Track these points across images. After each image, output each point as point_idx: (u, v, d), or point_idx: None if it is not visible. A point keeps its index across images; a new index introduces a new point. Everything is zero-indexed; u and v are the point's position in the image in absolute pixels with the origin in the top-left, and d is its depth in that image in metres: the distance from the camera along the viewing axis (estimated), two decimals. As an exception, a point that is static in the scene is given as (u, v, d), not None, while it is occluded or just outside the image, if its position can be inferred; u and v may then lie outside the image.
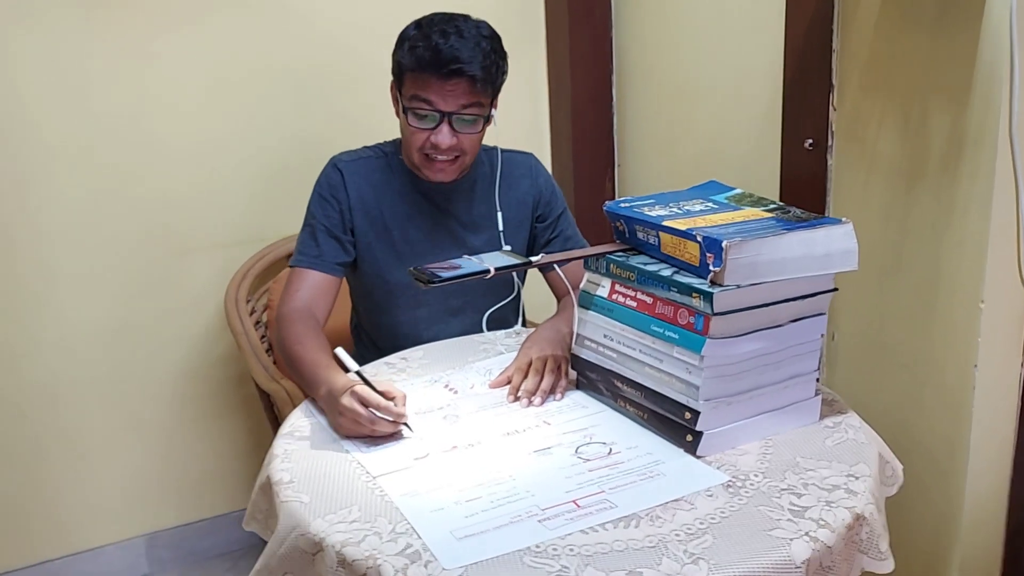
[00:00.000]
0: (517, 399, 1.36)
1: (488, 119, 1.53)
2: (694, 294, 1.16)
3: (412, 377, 1.48)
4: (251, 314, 2.03)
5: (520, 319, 1.75)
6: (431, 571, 0.95)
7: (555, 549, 0.99)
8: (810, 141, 1.62)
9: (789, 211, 1.28)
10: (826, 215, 1.63)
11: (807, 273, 1.20)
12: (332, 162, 1.63)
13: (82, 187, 2.00)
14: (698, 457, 1.18)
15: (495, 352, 1.56)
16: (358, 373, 1.28)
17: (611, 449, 1.21)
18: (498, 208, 1.64)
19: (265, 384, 1.74)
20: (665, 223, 1.23)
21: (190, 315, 2.17)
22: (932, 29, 1.39)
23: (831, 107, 1.57)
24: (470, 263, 1.24)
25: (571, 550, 0.98)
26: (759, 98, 1.81)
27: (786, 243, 1.17)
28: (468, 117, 1.50)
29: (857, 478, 1.11)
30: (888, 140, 1.50)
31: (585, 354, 1.36)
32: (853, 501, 1.06)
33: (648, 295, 1.24)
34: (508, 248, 1.64)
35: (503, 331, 1.65)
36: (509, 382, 1.39)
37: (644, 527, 1.02)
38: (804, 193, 1.66)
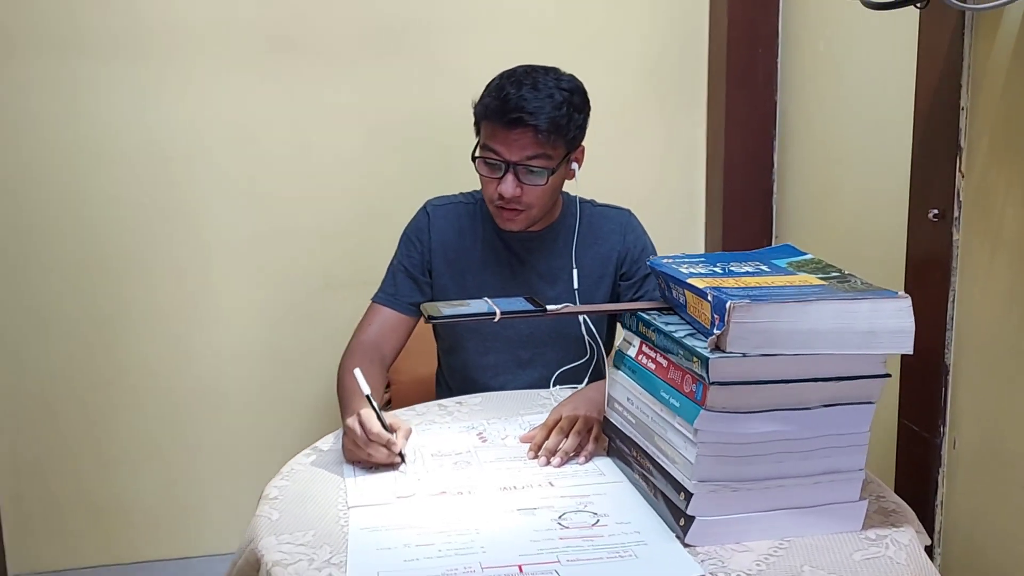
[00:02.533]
0: (537, 456, 1.28)
1: (554, 172, 1.49)
2: (695, 358, 1.04)
3: (454, 421, 1.45)
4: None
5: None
6: (332, 606, 0.91)
7: (466, 610, 0.91)
8: (935, 211, 1.41)
9: (848, 280, 1.12)
10: (950, 297, 1.40)
11: (843, 350, 1.03)
12: (424, 205, 1.66)
13: (246, 217, 2.18)
14: (686, 546, 1.04)
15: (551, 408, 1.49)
16: (368, 398, 1.28)
17: (598, 521, 1.10)
18: (574, 263, 1.58)
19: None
20: (689, 280, 1.12)
21: (331, 349, 2.28)
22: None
23: (958, 172, 1.36)
24: (481, 305, 1.19)
25: (482, 614, 0.90)
26: (898, 164, 1.61)
27: (814, 312, 1.02)
28: (534, 168, 1.47)
29: (859, 600, 0.92)
30: (1015, 211, 1.27)
31: (614, 417, 1.26)
32: (836, 624, 0.88)
33: (665, 358, 1.13)
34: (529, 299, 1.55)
35: (569, 388, 1.58)
36: (539, 437, 1.32)
37: (575, 606, 0.91)
38: (928, 271, 1.44)
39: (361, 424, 1.24)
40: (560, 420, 1.31)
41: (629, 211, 1.68)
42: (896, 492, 1.54)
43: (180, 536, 2.30)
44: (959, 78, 1.35)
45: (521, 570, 0.98)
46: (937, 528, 1.46)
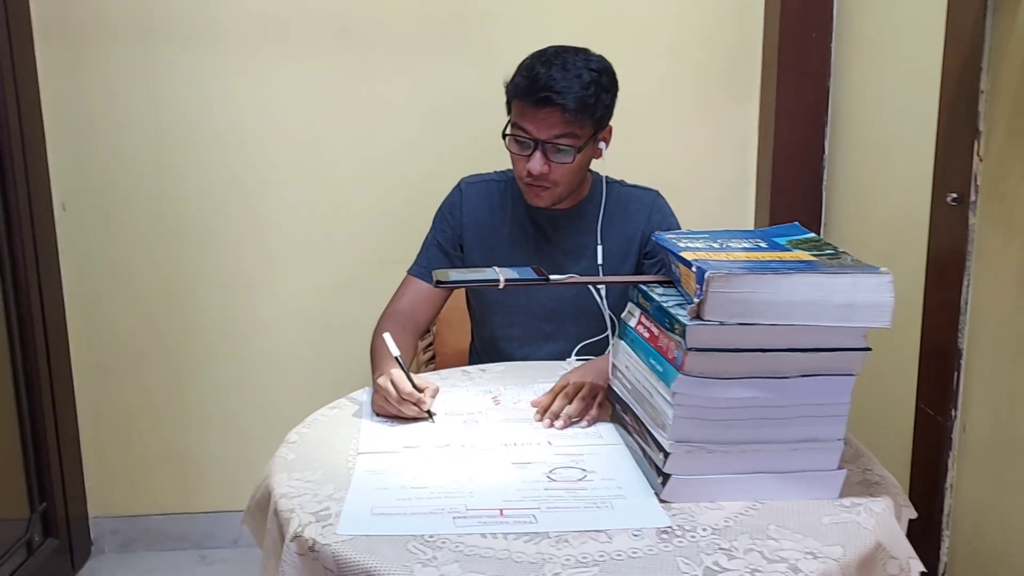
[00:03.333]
0: (543, 419, 1.35)
1: (581, 150, 1.55)
2: (677, 326, 1.09)
3: (474, 385, 1.53)
4: (428, 331, 2.19)
5: None
6: (324, 532, 1.01)
7: (443, 542, 0.99)
8: (953, 195, 1.41)
9: (839, 257, 1.15)
10: (965, 282, 1.40)
11: (820, 322, 1.07)
12: (459, 182, 1.75)
13: (306, 198, 2.32)
14: (663, 501, 1.10)
15: (566, 377, 1.56)
16: (397, 359, 1.38)
17: (585, 476, 1.17)
18: (599, 240, 1.64)
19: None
20: (682, 254, 1.17)
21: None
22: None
23: (976, 156, 1.36)
24: (489, 273, 1.27)
25: (456, 547, 0.98)
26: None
27: (792, 284, 1.06)
28: (562, 146, 1.53)
29: (815, 558, 0.97)
30: (1025, 199, 1.27)
31: (616, 385, 1.32)
32: (784, 576, 0.93)
33: (657, 327, 1.18)
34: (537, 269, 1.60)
35: (586, 359, 1.64)
36: (550, 402, 1.39)
37: (543, 546, 0.99)
38: (945, 256, 1.45)
39: (393, 383, 1.33)
40: (567, 386, 1.38)
41: (657, 192, 1.73)
42: (911, 474, 1.57)
43: (245, 487, 2.46)
44: (980, 61, 1.35)
45: (502, 513, 1.06)
46: (945, 511, 1.47)
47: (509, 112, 1.60)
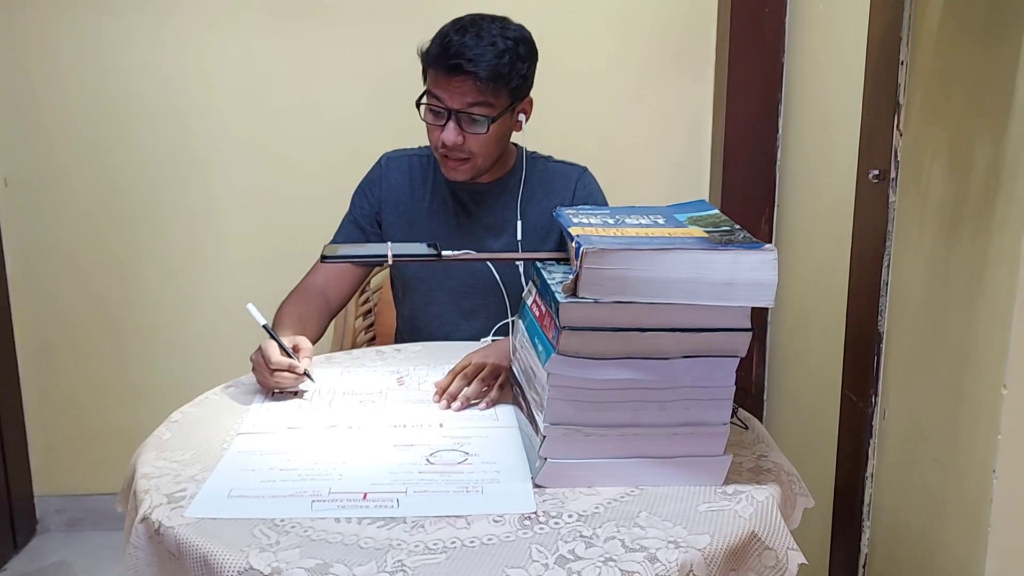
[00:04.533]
0: (441, 400, 1.31)
1: (495, 120, 1.50)
2: (555, 304, 1.04)
3: (384, 366, 1.49)
4: (363, 303, 2.16)
5: None
6: (172, 514, 0.97)
7: (293, 527, 0.95)
8: (875, 172, 1.35)
9: (733, 234, 1.10)
10: (885, 262, 1.35)
11: (699, 301, 1.02)
12: (381, 157, 1.70)
13: (254, 171, 2.28)
14: (537, 486, 1.05)
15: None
16: (265, 327, 1.34)
17: (466, 459, 1.13)
18: (519, 216, 1.59)
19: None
20: (570, 228, 1.12)
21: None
22: (985, 33, 1.11)
23: (896, 131, 1.31)
24: (378, 248, 1.23)
25: (305, 531, 0.94)
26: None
27: (669, 261, 1.01)
28: (476, 116, 1.48)
29: (677, 547, 0.92)
30: (938, 175, 1.21)
31: (514, 366, 1.28)
32: (637, 567, 0.88)
33: (544, 305, 1.14)
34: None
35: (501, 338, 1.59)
36: (451, 383, 1.35)
37: (397, 531, 0.94)
38: (867, 234, 1.39)
39: (263, 355, 1.29)
40: (468, 366, 1.33)
41: (584, 168, 1.68)
42: (837, 463, 1.52)
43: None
44: (899, 30, 1.29)
45: (365, 497, 1.02)
46: (866, 501, 1.42)
47: (425, 81, 1.55)
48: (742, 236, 1.08)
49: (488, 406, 1.30)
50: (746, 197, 2.22)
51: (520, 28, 1.53)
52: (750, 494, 1.04)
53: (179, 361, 2.39)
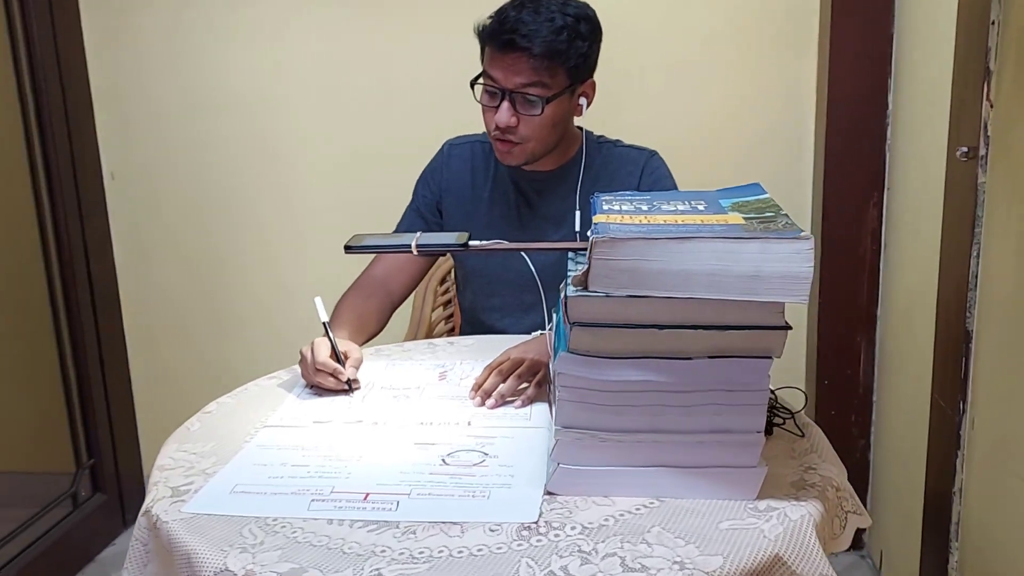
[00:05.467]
0: (476, 397, 1.25)
1: (550, 101, 1.41)
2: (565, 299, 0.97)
3: (431, 359, 1.45)
4: (444, 293, 2.13)
5: None
6: (171, 508, 0.96)
7: (284, 527, 0.92)
8: (963, 149, 1.19)
9: (774, 221, 0.98)
10: (974, 251, 1.18)
11: (722, 295, 0.91)
12: (444, 143, 1.66)
13: (343, 159, 2.30)
14: (548, 493, 0.98)
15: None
16: (324, 325, 1.32)
17: (483, 461, 1.07)
18: (577, 205, 1.51)
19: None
20: (595, 216, 1.04)
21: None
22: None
23: (986, 102, 1.14)
24: (403, 238, 1.18)
25: (293, 532, 0.91)
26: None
27: (687, 251, 0.91)
28: (530, 97, 1.41)
29: (682, 569, 0.83)
30: (1031, 150, 1.05)
31: (552, 362, 1.20)
32: (631, 590, 0.80)
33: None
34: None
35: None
36: (490, 378, 1.29)
37: (386, 537, 0.90)
38: (957, 222, 1.23)
39: (313, 351, 1.27)
40: (504, 362, 1.27)
41: (653, 152, 1.57)
42: (926, 477, 1.36)
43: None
44: (990, -13, 1.12)
45: (366, 498, 0.98)
46: (955, 519, 1.26)
47: (483, 61, 1.49)
48: (783, 224, 0.97)
49: (524, 404, 1.23)
50: (852, 181, 2.04)
51: (583, 5, 1.44)
52: (783, 511, 0.93)
53: (276, 347, 2.44)
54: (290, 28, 2.23)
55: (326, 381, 1.27)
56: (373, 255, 1.64)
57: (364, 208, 2.31)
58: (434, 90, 2.22)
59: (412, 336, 2.01)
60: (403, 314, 2.22)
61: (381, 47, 2.22)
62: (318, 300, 1.35)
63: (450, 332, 2.09)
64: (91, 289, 2.30)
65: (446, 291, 2.14)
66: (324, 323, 1.33)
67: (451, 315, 2.15)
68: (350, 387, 1.28)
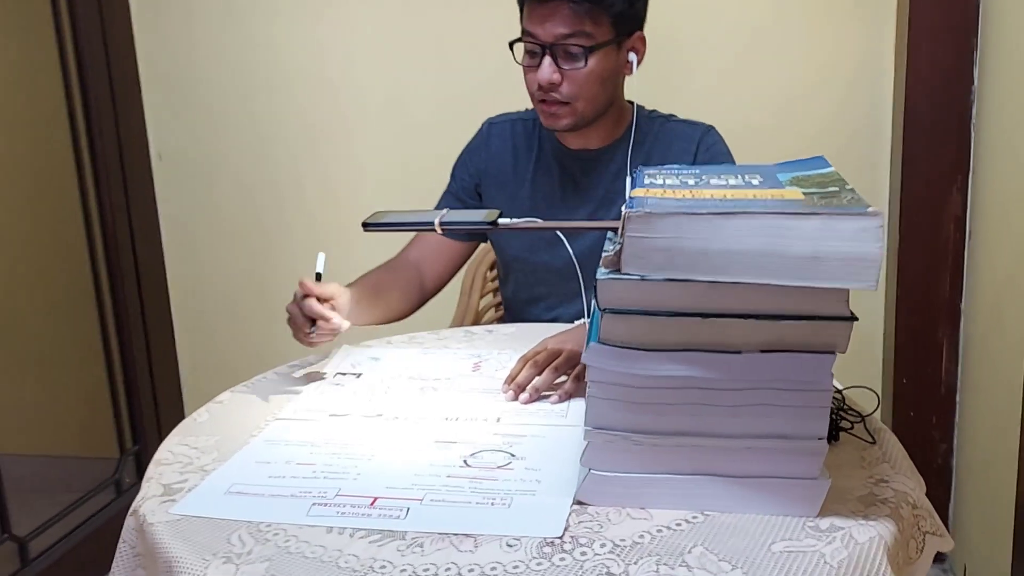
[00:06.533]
0: (508, 390, 1.15)
1: (593, 50, 1.29)
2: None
3: (468, 348, 1.35)
4: (494, 279, 2.02)
5: None
6: (159, 509, 0.88)
7: (277, 534, 0.83)
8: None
9: (837, 196, 0.85)
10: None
11: (774, 280, 0.78)
12: (483, 123, 1.55)
13: (394, 142, 2.22)
14: (578, 503, 0.87)
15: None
16: (317, 275, 1.25)
17: (508, 463, 0.96)
18: (628, 184, 1.38)
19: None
20: (632, 191, 0.92)
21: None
22: None
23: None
24: (426, 215, 1.07)
25: (286, 541, 0.81)
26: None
27: (733, 228, 0.78)
28: (572, 49, 1.29)
29: (723, 599, 0.71)
30: None
31: (587, 354, 1.09)
32: (661, 623, 0.68)
33: (603, 283, 0.94)
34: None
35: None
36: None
37: (388, 550, 0.80)
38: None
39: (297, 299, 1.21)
40: (540, 353, 1.16)
41: (709, 127, 1.44)
42: (1017, 484, 1.21)
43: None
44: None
45: (373, 503, 0.88)
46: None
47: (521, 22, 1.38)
48: (848, 199, 0.83)
49: (561, 399, 1.12)
50: (933, 162, 1.87)
51: None
52: (849, 532, 0.80)
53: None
54: (342, 5, 2.15)
55: (309, 308, 1.20)
56: (412, 236, 1.55)
57: (417, 192, 2.22)
58: (493, 67, 2.11)
59: (458, 324, 1.91)
60: (450, 301, 2.13)
61: (436, 23, 2.12)
62: (321, 255, 1.26)
63: (499, 321, 1.98)
64: (137, 273, 2.26)
65: (496, 277, 2.04)
66: (317, 272, 1.24)
67: (500, 303, 2.04)
68: (322, 316, 1.20)
